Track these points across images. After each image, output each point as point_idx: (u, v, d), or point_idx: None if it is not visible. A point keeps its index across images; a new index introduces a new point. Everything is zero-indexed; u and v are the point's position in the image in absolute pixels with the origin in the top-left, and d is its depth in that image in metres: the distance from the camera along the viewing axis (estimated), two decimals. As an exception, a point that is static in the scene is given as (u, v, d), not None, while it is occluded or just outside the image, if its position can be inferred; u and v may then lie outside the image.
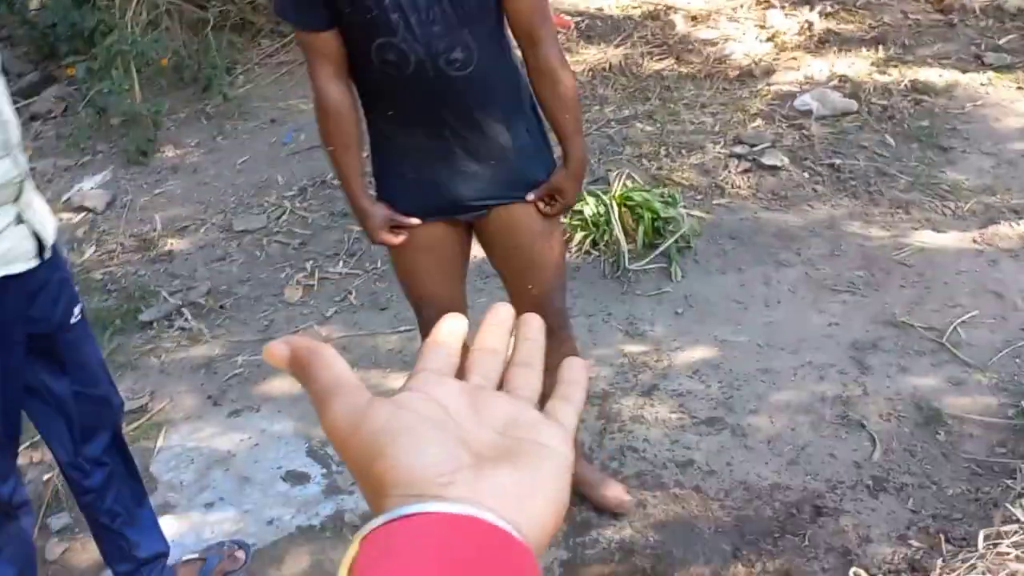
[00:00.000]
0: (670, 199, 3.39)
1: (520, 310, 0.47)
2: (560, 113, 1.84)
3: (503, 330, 0.47)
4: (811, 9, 5.52)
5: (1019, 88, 4.31)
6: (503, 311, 0.48)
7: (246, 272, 3.49)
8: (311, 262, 3.47)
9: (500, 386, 0.44)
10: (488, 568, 0.31)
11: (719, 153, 3.88)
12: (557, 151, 1.96)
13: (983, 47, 4.81)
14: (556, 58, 1.78)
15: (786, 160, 3.78)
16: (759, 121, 4.14)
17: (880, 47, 4.87)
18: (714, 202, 3.58)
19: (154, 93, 4.66)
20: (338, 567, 0.32)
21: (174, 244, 3.69)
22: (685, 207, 3.41)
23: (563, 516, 0.37)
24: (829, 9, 5.49)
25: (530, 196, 1.90)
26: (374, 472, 0.36)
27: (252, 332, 3.15)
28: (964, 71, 4.52)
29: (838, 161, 3.74)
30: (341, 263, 3.47)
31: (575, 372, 0.46)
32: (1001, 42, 4.83)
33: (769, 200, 3.58)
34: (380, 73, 1.71)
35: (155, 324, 3.24)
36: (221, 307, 3.30)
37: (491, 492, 0.34)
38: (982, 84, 4.37)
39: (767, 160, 3.78)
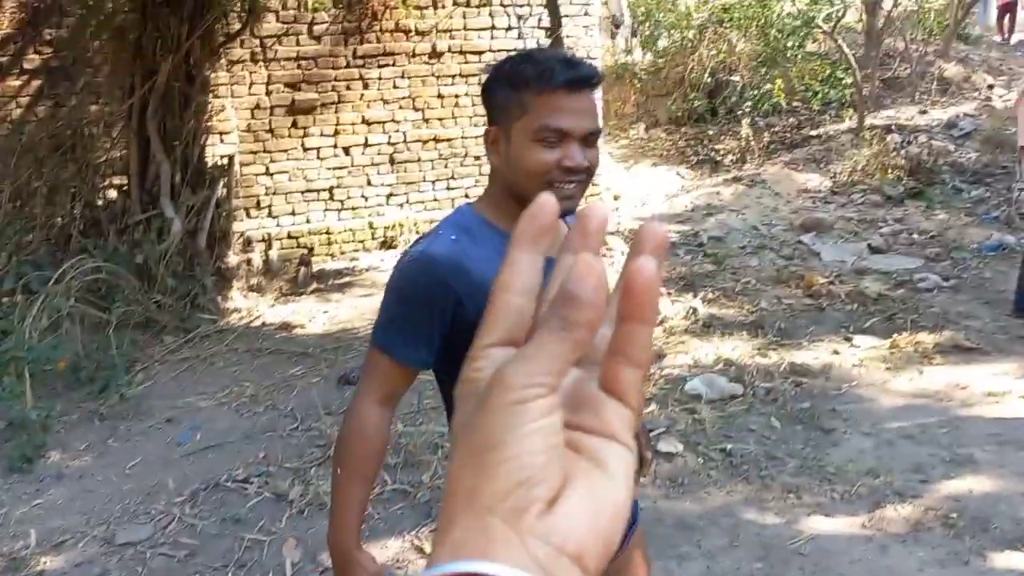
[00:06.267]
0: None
1: None
2: None
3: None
4: (695, 296, 5.96)
5: (888, 368, 4.63)
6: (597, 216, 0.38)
7: (123, 593, 3.25)
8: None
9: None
10: None
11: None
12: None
13: (851, 329, 5.21)
14: None
15: (681, 446, 3.87)
16: (654, 406, 4.29)
17: (759, 331, 5.22)
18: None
19: (47, 395, 4.57)
20: None
21: (48, 563, 3.44)
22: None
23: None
24: (711, 296, 5.93)
25: None
26: (486, 460, 0.34)
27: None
28: (837, 352, 4.85)
29: (730, 446, 3.85)
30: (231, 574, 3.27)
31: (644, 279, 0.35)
32: (866, 325, 5.25)
33: (667, 488, 3.62)
34: None
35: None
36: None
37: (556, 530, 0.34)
38: (854, 365, 4.68)
39: (663, 447, 3.87)
